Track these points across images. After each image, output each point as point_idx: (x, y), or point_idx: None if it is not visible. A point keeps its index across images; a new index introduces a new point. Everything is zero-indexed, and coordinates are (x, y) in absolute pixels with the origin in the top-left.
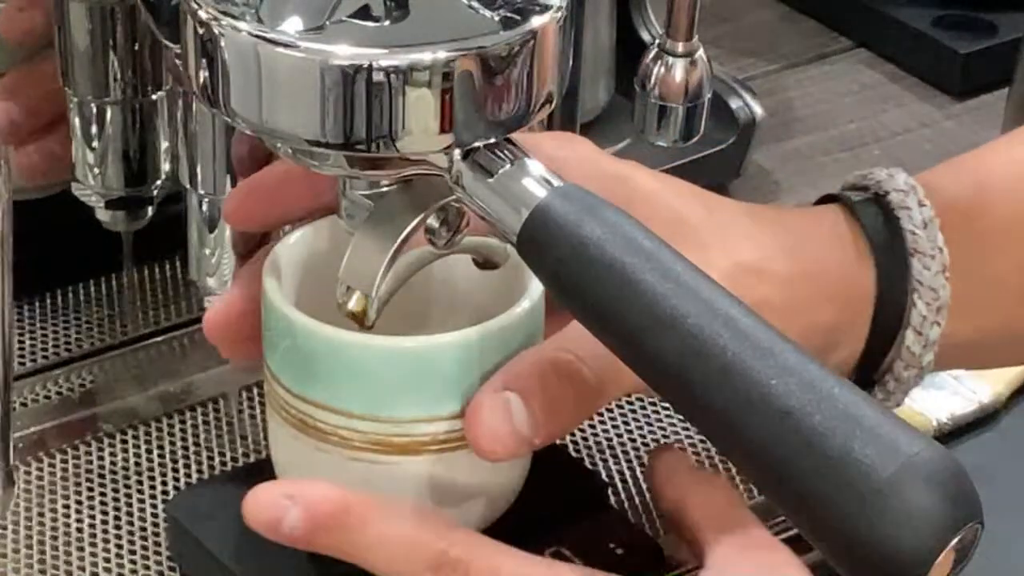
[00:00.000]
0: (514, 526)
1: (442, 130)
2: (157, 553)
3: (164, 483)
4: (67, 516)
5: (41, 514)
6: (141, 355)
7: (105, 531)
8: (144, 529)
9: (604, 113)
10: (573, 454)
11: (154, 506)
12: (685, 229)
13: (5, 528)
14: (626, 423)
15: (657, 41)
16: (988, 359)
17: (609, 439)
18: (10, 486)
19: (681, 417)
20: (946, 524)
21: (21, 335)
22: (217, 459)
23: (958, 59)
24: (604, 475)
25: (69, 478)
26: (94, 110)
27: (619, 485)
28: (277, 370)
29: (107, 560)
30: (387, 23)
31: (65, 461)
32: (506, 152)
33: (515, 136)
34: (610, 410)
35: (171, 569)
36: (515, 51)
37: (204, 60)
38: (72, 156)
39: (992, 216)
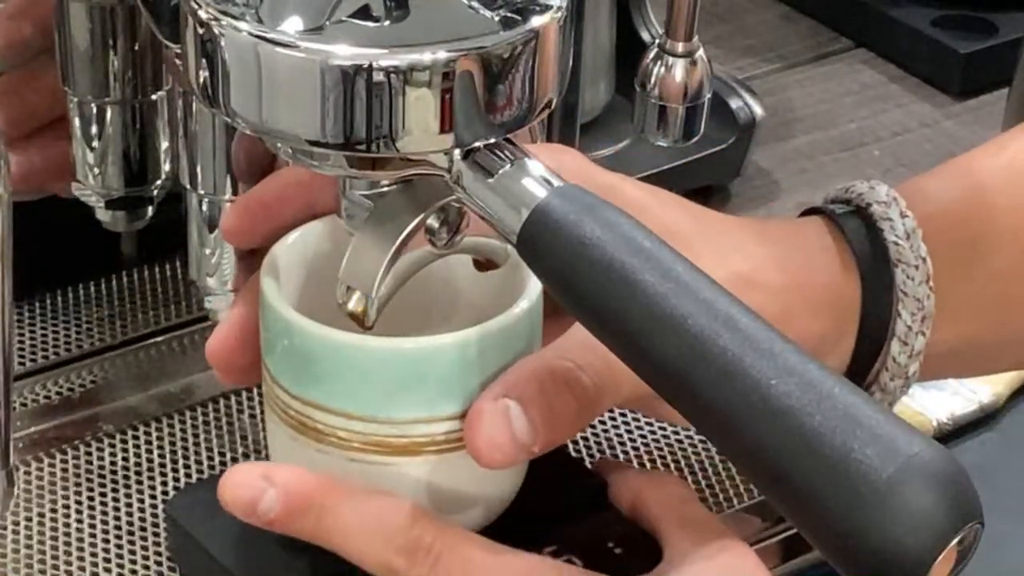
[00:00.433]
0: (514, 526)
1: (442, 130)
2: (157, 553)
3: (164, 483)
4: (67, 516)
5: (41, 514)
6: (141, 355)
7: (105, 531)
8: (144, 529)
9: (604, 113)
10: (573, 454)
11: (154, 506)
12: (676, 239)
13: (5, 528)
14: (626, 424)
15: (657, 41)
16: (977, 367)
17: (609, 439)
18: (10, 486)
19: None
20: (946, 524)
21: (21, 335)
22: (217, 459)
23: (958, 59)
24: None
25: (69, 478)
26: (94, 110)
27: None
28: (276, 371)
29: (107, 560)
30: (387, 23)
31: (65, 461)
32: (506, 152)
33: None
34: (610, 410)
35: (171, 569)
36: (516, 51)
37: (204, 60)
38: (71, 157)
39: (984, 220)
